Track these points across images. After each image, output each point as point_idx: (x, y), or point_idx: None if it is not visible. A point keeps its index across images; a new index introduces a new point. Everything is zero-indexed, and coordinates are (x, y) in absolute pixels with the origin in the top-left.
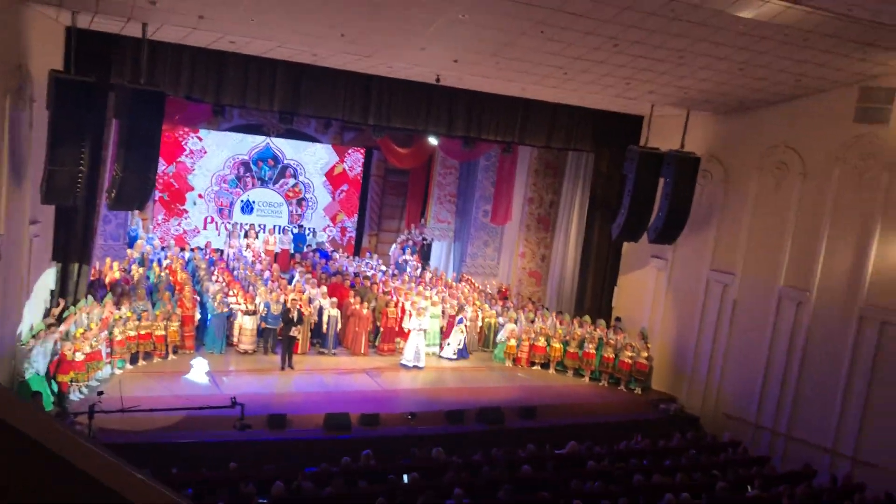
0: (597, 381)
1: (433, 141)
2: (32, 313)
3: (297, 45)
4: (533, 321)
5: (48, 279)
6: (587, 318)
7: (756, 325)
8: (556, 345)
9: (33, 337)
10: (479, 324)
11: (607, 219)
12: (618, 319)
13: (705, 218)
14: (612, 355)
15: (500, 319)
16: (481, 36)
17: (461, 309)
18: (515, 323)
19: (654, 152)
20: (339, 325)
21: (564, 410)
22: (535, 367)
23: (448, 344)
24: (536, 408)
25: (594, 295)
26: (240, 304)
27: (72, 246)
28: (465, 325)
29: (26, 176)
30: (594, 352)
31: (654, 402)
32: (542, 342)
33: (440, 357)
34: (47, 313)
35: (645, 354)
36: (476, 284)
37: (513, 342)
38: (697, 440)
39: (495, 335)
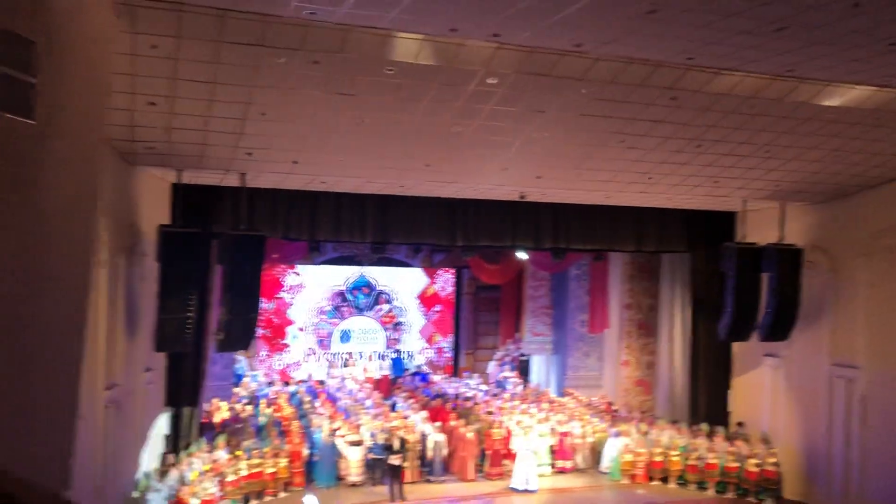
0: (722, 493)
1: (522, 255)
2: (148, 460)
3: (384, 178)
4: (646, 433)
5: (162, 425)
6: (704, 426)
7: (892, 421)
8: (675, 457)
9: (150, 484)
10: (590, 440)
11: (713, 319)
12: (740, 424)
13: (817, 310)
14: (736, 464)
15: (612, 433)
16: (562, 151)
17: (614, 422)
18: (628, 437)
19: (751, 247)
20: (445, 451)
21: None
22: (653, 483)
23: (612, 460)
24: None
25: (708, 400)
26: (344, 436)
27: (183, 390)
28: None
29: (140, 326)
30: (716, 462)
31: None
32: (658, 456)
33: (600, 472)
34: (163, 459)
35: (772, 460)
36: (581, 398)
37: (628, 457)
38: None
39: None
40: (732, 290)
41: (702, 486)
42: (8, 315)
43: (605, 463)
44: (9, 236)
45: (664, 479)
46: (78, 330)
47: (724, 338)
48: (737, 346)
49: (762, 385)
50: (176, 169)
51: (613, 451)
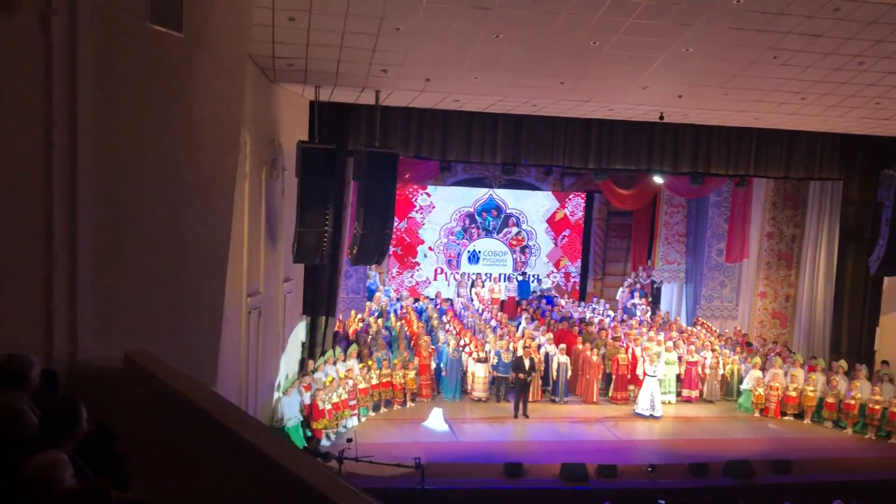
0: (861, 433)
1: (658, 180)
2: (288, 364)
3: (518, 97)
4: (781, 367)
5: (300, 332)
6: (843, 362)
7: None
8: (811, 393)
9: (290, 386)
10: (721, 371)
11: (862, 252)
12: (884, 363)
13: None
14: (878, 405)
15: (744, 366)
16: (707, 68)
17: (748, 354)
18: (762, 370)
19: None
20: (570, 373)
21: (825, 465)
22: (786, 418)
23: (744, 392)
24: (792, 461)
25: (851, 337)
26: (471, 353)
27: (319, 300)
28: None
29: (280, 238)
30: (855, 402)
31: None
32: (793, 391)
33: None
34: (301, 364)
35: None
36: (713, 328)
37: (760, 391)
38: None
39: (739, 383)
40: (889, 220)
41: (839, 424)
42: (165, 219)
43: (738, 394)
44: (164, 144)
45: (798, 415)
46: (223, 237)
47: (874, 271)
48: (888, 281)
49: None
50: (314, 86)
51: (747, 383)
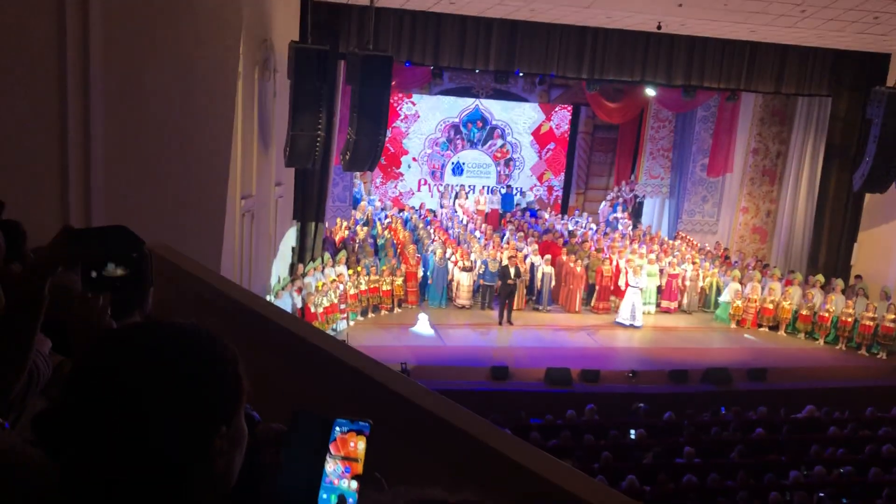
0: (833, 344)
1: (650, 92)
2: (279, 268)
3: (515, 0)
4: (760, 280)
5: (290, 237)
6: (820, 277)
7: None
8: (787, 306)
9: (282, 290)
10: (700, 283)
11: (846, 169)
12: (858, 277)
13: None
14: (850, 318)
15: (724, 279)
16: None
17: (727, 267)
18: (740, 282)
19: None
20: (553, 283)
21: (798, 373)
22: (762, 329)
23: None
24: (767, 370)
25: (830, 252)
26: (456, 262)
27: (308, 206)
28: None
29: (271, 142)
30: (828, 314)
31: None
32: (769, 304)
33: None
34: (292, 268)
35: (891, 316)
36: (694, 242)
37: (738, 303)
38: None
39: (717, 295)
40: (876, 137)
41: (812, 336)
42: (173, 115)
43: (716, 306)
44: (169, 38)
45: (773, 328)
46: (226, 134)
47: (858, 188)
48: (869, 199)
49: (893, 240)
50: None
51: (726, 295)
